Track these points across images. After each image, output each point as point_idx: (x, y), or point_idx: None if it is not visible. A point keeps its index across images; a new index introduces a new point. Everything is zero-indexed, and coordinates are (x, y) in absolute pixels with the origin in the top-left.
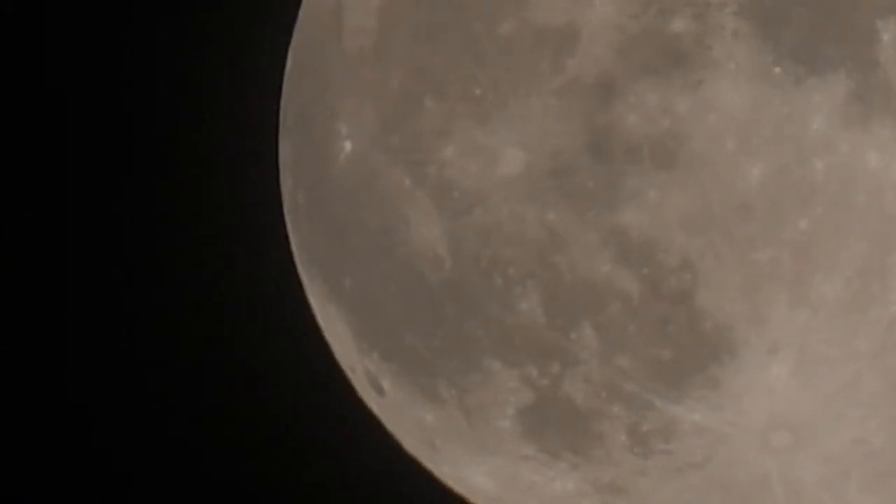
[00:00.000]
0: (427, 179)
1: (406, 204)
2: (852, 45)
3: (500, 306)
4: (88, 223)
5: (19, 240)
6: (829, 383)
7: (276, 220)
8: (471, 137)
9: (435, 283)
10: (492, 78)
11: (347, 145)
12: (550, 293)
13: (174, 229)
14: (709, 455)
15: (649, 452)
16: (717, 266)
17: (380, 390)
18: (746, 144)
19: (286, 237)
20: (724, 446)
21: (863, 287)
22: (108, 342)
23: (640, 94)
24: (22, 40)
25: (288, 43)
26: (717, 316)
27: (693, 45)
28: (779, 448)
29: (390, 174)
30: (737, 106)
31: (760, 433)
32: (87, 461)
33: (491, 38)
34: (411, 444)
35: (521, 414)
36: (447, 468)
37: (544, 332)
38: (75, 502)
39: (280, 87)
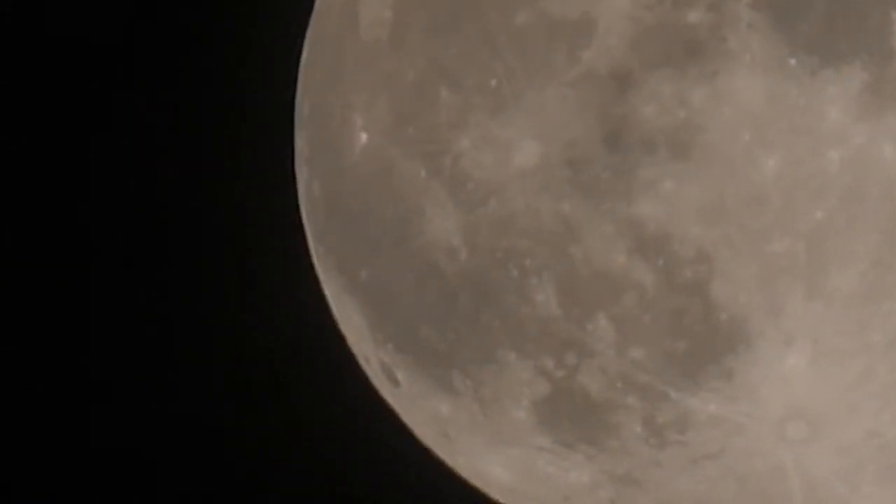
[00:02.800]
0: (442, 171)
1: (421, 195)
2: (867, 36)
3: (516, 297)
4: (99, 218)
5: (27, 236)
6: (843, 375)
7: (292, 211)
8: (486, 129)
9: (450, 275)
10: (507, 69)
11: (363, 137)
12: (566, 284)
13: (187, 222)
14: (724, 446)
15: (664, 444)
16: (733, 257)
17: (394, 381)
18: (761, 136)
19: (301, 228)
20: (740, 437)
21: (877, 279)
22: (116, 338)
23: (656, 85)
24: (27, 25)
25: (304, 34)
26: (733, 307)
27: (708, 36)
28: (794, 439)
29: (406, 165)
30: (752, 97)
31: (776, 424)
32: (93, 459)
33: (506, 29)
34: (426, 435)
35: (537, 405)
36: (462, 460)
37: (560, 324)
38: (85, 498)
39: (295, 78)
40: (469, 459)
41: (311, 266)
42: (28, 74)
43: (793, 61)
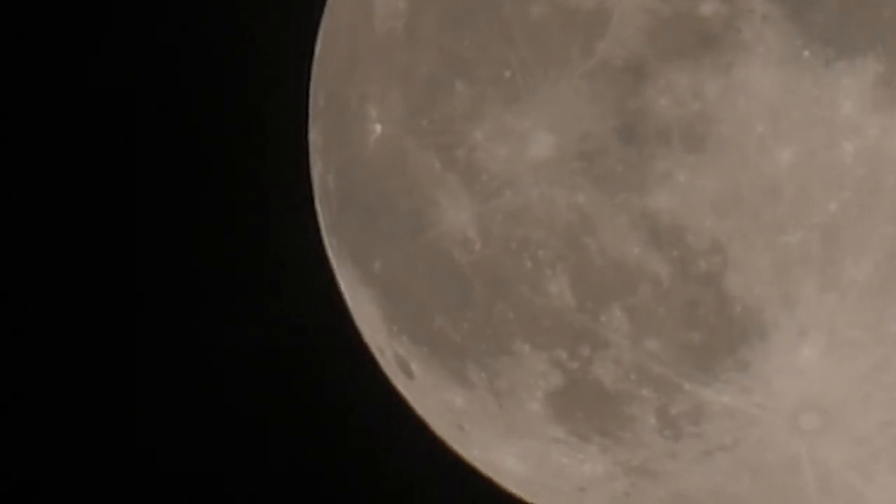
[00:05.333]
0: (457, 162)
1: (436, 187)
2: (881, 27)
3: (530, 289)
4: (105, 215)
5: (30, 234)
6: (858, 366)
7: (306, 202)
8: (500, 120)
9: (464, 266)
10: (522, 61)
11: (377, 128)
12: (580, 276)
13: (201, 215)
14: (738, 438)
15: (679, 435)
16: (747, 249)
17: (409, 373)
18: (776, 128)
19: (315, 220)
20: (754, 429)
21: (892, 270)
22: (122, 336)
23: (670, 77)
24: (31, 18)
25: (318, 25)
26: (747, 299)
27: (723, 28)
28: (808, 430)
29: (420, 157)
30: (766, 89)
31: (790, 415)
32: (95, 458)
33: (521, 20)
34: (440, 427)
35: (551, 397)
36: (476, 451)
37: (574, 315)
38: (88, 498)
39: (310, 70)
40: (483, 451)
41: (325, 258)
42: (36, 69)
43: (807, 53)
